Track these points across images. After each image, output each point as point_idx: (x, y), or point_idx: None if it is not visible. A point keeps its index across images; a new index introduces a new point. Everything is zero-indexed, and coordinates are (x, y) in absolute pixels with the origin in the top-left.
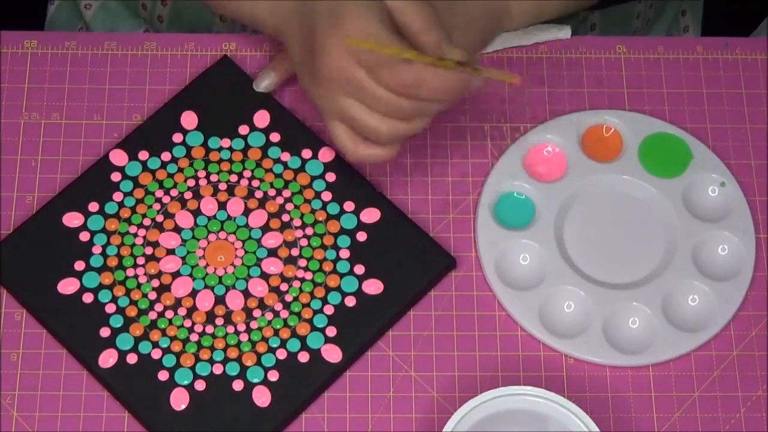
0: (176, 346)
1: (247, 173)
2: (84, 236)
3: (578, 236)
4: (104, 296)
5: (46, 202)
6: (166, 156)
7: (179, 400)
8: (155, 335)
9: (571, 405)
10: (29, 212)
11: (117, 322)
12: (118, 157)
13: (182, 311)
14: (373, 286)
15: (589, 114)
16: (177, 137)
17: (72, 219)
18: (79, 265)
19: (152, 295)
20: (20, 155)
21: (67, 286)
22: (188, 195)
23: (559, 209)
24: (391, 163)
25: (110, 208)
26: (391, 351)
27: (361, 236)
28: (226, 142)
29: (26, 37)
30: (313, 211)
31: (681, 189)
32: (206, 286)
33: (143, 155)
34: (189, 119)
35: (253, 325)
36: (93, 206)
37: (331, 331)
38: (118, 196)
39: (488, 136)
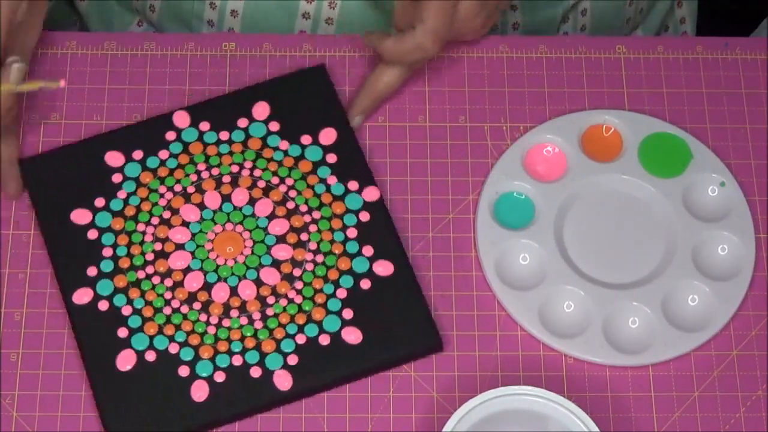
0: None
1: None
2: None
3: (578, 236)
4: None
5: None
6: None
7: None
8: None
9: (571, 405)
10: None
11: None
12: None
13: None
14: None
15: (589, 114)
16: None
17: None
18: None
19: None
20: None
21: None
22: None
23: (559, 209)
24: (391, 163)
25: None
26: None
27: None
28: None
29: None
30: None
31: (681, 189)
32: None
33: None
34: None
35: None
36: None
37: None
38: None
39: (488, 136)
